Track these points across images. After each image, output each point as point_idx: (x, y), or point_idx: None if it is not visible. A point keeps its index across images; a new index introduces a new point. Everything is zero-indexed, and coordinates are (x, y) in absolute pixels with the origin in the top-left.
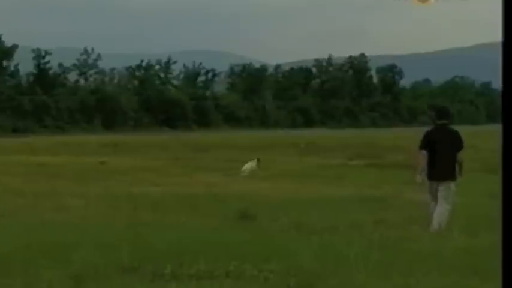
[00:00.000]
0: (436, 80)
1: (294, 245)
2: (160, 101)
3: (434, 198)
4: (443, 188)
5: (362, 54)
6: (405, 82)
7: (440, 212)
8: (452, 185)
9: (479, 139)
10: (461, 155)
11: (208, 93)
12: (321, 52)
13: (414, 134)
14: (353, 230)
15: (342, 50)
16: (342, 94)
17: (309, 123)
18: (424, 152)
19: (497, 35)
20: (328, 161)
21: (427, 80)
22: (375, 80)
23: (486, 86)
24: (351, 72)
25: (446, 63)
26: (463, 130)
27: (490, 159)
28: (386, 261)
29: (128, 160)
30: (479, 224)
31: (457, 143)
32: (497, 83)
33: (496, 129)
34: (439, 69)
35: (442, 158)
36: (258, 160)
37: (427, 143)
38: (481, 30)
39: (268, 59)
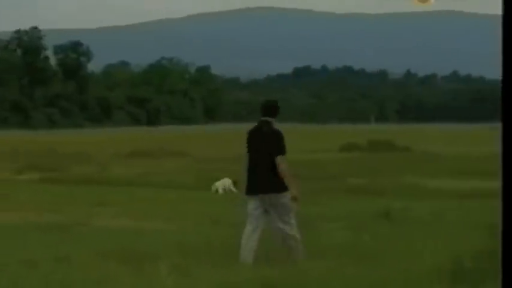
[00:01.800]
0: (137, 63)
1: None
2: None
3: (255, 220)
4: (275, 206)
5: (35, 28)
6: (95, 66)
7: (289, 243)
8: (282, 197)
9: (194, 144)
10: (281, 160)
11: None
12: None
13: (107, 137)
14: (26, 270)
15: (7, 23)
16: (7, 82)
17: None
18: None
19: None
20: None
21: (124, 63)
22: (52, 62)
23: (204, 71)
24: (19, 52)
25: (149, 39)
26: (171, 131)
27: (209, 172)
28: None
29: None
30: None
31: (274, 147)
32: (217, 68)
33: (215, 130)
34: (140, 47)
35: (257, 167)
36: None
37: (247, 147)
38: None
39: None
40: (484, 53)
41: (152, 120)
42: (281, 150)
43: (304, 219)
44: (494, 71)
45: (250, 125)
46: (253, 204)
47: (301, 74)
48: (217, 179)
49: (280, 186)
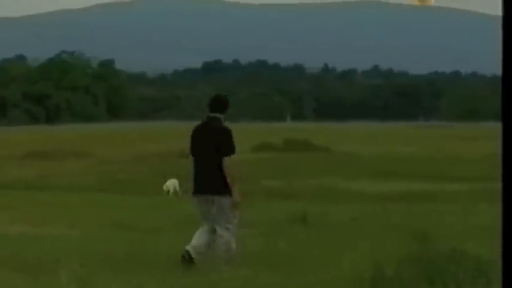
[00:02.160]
0: (35, 56)
1: None
2: None
3: (206, 221)
4: (215, 208)
5: None
6: None
7: (222, 243)
8: (225, 200)
9: (97, 144)
10: (229, 161)
11: None
12: None
13: (2, 137)
14: None
15: None
16: None
17: None
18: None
19: None
20: None
21: (20, 57)
22: None
23: (107, 65)
24: None
25: (48, 31)
26: (72, 130)
27: (112, 173)
28: None
29: None
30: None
31: (221, 145)
32: (122, 62)
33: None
34: (38, 40)
35: (202, 166)
36: None
37: (192, 144)
38: None
39: None
40: (407, 47)
41: (51, 118)
42: (229, 150)
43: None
44: (418, 66)
45: (156, 124)
46: (199, 205)
47: (211, 68)
48: (166, 179)
49: (225, 189)
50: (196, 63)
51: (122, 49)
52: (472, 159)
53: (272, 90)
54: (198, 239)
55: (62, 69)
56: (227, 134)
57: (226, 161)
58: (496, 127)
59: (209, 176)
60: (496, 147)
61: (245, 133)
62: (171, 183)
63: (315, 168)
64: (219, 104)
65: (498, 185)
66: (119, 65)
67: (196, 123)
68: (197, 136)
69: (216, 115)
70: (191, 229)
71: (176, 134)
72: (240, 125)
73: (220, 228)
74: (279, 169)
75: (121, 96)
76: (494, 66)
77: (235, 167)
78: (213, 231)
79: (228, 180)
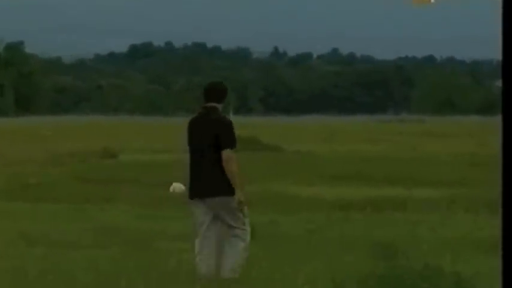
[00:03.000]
0: None
1: None
2: None
3: (205, 230)
4: (224, 213)
5: None
6: None
7: (231, 255)
8: (232, 200)
9: (5, 144)
10: (229, 155)
11: None
12: None
13: None
14: None
15: None
16: None
17: None
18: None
19: None
20: None
21: None
22: None
23: (16, 49)
24: None
25: None
26: None
27: (22, 177)
28: None
29: None
30: None
31: (222, 138)
32: (33, 45)
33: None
34: None
35: (201, 163)
36: None
37: (189, 140)
38: None
39: None
40: (373, 28)
41: None
42: (231, 143)
43: (139, 237)
44: (385, 50)
45: (74, 118)
46: (198, 211)
47: (140, 53)
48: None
49: (228, 187)
50: (121, 46)
51: (32, 30)
52: (449, 160)
53: (212, 78)
54: (212, 258)
55: None
56: (227, 124)
57: (227, 153)
58: (476, 122)
59: (211, 175)
60: (477, 145)
61: (180, 130)
62: (178, 188)
63: (262, 171)
64: (216, 92)
65: (479, 191)
66: (29, 49)
67: (123, 117)
68: (193, 130)
69: (213, 104)
70: (115, 242)
71: (98, 130)
72: (175, 119)
73: (235, 230)
74: None
75: (32, 86)
76: (473, 51)
77: (235, 162)
78: (218, 240)
79: (229, 175)
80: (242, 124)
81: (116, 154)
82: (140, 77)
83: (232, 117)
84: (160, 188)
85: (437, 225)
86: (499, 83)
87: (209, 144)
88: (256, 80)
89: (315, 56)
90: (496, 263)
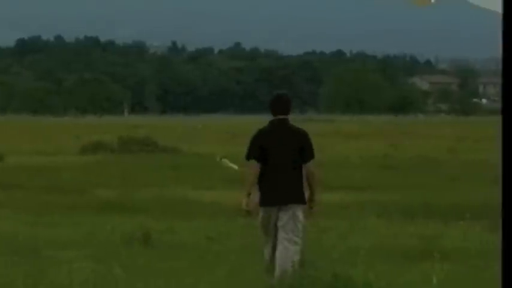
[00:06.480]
0: None
1: None
2: None
3: (271, 235)
4: (286, 218)
5: None
6: None
7: (285, 257)
8: (299, 212)
9: None
10: (311, 168)
11: None
12: None
13: None
14: None
15: None
16: None
17: None
18: (256, 163)
19: None
20: None
21: None
22: None
23: None
24: None
25: None
26: None
27: None
28: None
29: None
30: None
31: (302, 150)
32: None
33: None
34: None
35: (279, 172)
36: None
37: (258, 150)
38: None
39: None
40: (278, 23)
41: None
42: (312, 154)
43: (27, 246)
44: (291, 45)
45: None
46: (268, 218)
47: (28, 47)
48: None
49: (302, 197)
50: (7, 40)
51: None
52: (360, 162)
53: (105, 75)
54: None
55: None
56: (308, 136)
57: (311, 166)
58: (388, 121)
59: (287, 183)
60: (389, 147)
61: (73, 129)
62: (226, 163)
63: (159, 174)
64: (286, 104)
65: (392, 195)
66: None
67: (11, 116)
68: (268, 141)
69: (282, 116)
70: (1, 251)
71: None
72: (66, 119)
73: (294, 242)
74: (113, 175)
75: None
76: (386, 45)
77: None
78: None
79: (314, 186)
80: (137, 124)
81: (1, 157)
82: (28, 73)
83: (127, 117)
84: (48, 193)
85: (347, 233)
86: (411, 79)
87: (293, 155)
88: (153, 76)
89: (215, 50)
90: (411, 274)
